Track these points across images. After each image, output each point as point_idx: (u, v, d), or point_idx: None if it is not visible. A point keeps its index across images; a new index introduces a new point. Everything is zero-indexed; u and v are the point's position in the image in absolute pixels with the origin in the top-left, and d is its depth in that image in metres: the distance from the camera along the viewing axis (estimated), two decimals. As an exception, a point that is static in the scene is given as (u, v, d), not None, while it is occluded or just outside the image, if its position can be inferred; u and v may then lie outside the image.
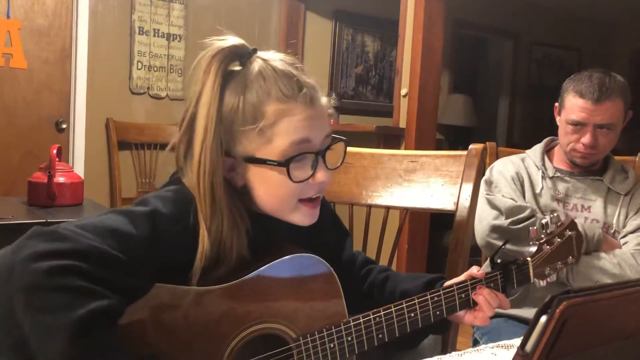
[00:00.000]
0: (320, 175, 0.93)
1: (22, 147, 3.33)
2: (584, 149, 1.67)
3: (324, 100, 0.96)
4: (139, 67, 3.64)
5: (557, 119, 1.76)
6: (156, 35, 3.69)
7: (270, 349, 0.95)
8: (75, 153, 3.49)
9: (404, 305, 1.01)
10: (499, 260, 1.10)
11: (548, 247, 1.12)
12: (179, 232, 0.88)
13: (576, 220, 1.67)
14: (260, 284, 0.94)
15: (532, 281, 1.11)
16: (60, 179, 2.20)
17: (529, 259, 1.11)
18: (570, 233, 1.15)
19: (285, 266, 0.96)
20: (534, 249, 1.12)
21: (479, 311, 1.06)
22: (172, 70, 3.76)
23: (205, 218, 0.89)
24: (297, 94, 0.91)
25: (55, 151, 2.18)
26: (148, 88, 3.69)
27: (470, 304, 1.06)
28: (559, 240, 1.14)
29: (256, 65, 0.92)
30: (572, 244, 1.15)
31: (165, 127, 3.73)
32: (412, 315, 1.01)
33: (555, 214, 1.16)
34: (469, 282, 1.06)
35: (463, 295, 1.05)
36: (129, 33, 3.60)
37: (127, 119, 3.61)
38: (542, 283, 1.14)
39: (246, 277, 0.93)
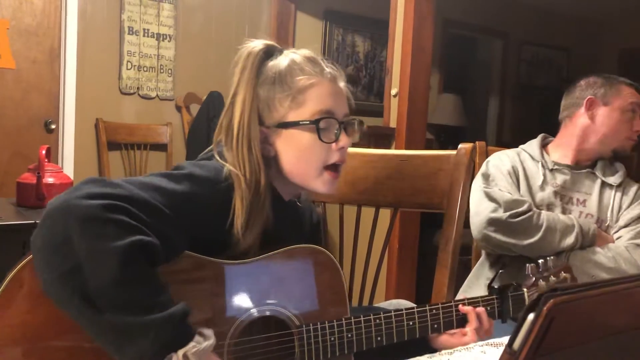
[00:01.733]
0: (343, 140, 1.06)
1: (11, 147, 3.30)
2: (635, 136, 1.76)
3: (343, 85, 1.11)
4: (129, 67, 3.63)
5: (588, 114, 1.77)
6: (146, 35, 3.68)
7: (273, 332, 1.00)
8: (65, 154, 3.47)
9: (404, 312, 1.05)
10: (496, 286, 1.13)
11: (544, 283, 1.16)
12: (213, 195, 0.98)
13: (571, 215, 1.70)
14: (272, 267, 1.00)
15: None
16: (49, 179, 2.19)
17: (524, 289, 1.14)
18: (565, 275, 1.19)
19: (298, 255, 1.03)
20: (530, 281, 1.16)
21: (461, 330, 1.10)
22: (162, 71, 3.75)
23: (239, 184, 0.99)
24: (322, 71, 1.07)
25: (44, 152, 2.17)
26: (138, 88, 3.67)
27: (464, 323, 1.10)
28: (554, 279, 1.18)
29: (286, 56, 1.08)
30: None
31: (155, 127, 3.72)
32: (411, 323, 1.05)
33: (551, 257, 1.20)
34: (466, 300, 1.09)
35: (460, 313, 1.09)
36: (119, 33, 3.58)
37: (117, 119, 3.60)
38: None
39: (260, 258, 1.00)
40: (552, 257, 1.19)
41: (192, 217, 0.94)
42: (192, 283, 0.94)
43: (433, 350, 1.13)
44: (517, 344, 0.49)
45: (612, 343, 0.56)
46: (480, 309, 1.09)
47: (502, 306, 1.12)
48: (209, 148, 1.08)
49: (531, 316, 0.49)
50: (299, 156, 1.06)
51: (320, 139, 1.04)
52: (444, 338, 1.11)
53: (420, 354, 1.09)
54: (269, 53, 1.08)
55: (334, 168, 1.08)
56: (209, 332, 0.88)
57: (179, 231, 0.91)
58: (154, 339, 0.81)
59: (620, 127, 1.76)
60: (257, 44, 1.07)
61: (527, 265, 1.17)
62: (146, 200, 0.88)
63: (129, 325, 0.81)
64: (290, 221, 1.13)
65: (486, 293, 1.74)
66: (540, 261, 1.16)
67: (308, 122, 1.04)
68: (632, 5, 4.81)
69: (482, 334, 1.10)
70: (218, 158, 1.04)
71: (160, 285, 0.86)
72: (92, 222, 0.82)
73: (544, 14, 5.32)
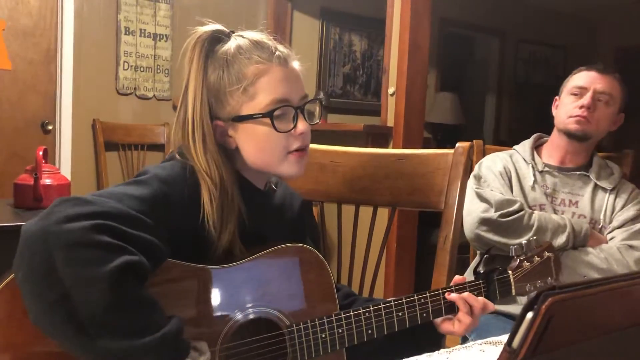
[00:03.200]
0: (301, 126, 1.03)
1: (8, 148, 3.30)
2: (580, 112, 1.72)
3: (297, 64, 1.07)
4: (125, 68, 3.62)
5: (555, 111, 1.81)
6: (142, 35, 3.67)
7: (264, 333, 0.99)
8: (62, 154, 3.46)
9: (393, 304, 1.05)
10: (481, 270, 1.13)
11: (528, 264, 1.16)
12: (182, 193, 0.96)
13: (564, 215, 1.70)
14: (259, 269, 1.00)
15: (513, 294, 1.14)
16: (46, 180, 2.18)
17: (509, 271, 1.14)
18: (548, 254, 1.18)
19: (283, 254, 1.03)
20: (515, 263, 1.16)
21: (456, 317, 1.08)
22: (158, 71, 3.75)
23: (203, 178, 0.98)
24: (272, 56, 1.02)
25: (41, 153, 2.17)
26: (135, 88, 3.67)
27: (455, 310, 1.09)
28: (538, 259, 1.17)
29: (234, 41, 1.04)
30: (550, 265, 1.19)
31: (152, 127, 3.71)
32: (400, 314, 1.04)
33: (533, 237, 1.19)
34: (453, 287, 1.09)
35: (448, 301, 1.08)
36: (115, 33, 3.58)
37: (114, 119, 3.59)
38: (524, 299, 1.17)
39: (246, 260, 0.99)
40: (534, 237, 1.19)
41: (168, 218, 0.92)
42: (179, 292, 0.93)
43: (439, 334, 1.13)
44: (516, 342, 0.49)
45: (611, 341, 0.56)
46: (465, 294, 1.08)
47: (488, 290, 1.12)
48: (172, 151, 1.06)
49: (530, 314, 0.49)
50: (259, 148, 1.03)
51: (276, 129, 1.01)
52: (446, 325, 1.10)
53: (427, 341, 1.10)
54: (216, 39, 1.04)
55: (297, 150, 1.05)
56: (203, 345, 0.88)
57: (160, 237, 0.88)
58: None
59: (562, 112, 1.78)
60: (202, 32, 1.03)
61: (511, 247, 1.17)
62: (125, 212, 0.85)
63: (124, 350, 0.79)
64: (270, 211, 1.11)
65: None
66: (523, 242, 1.17)
67: (261, 115, 1.01)
68: (628, 4, 4.82)
69: (479, 313, 1.08)
70: (178, 157, 1.02)
71: (151, 303, 0.83)
72: (74, 247, 0.78)
73: (540, 12, 5.33)
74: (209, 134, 1.01)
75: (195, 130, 1.00)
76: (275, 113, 1.01)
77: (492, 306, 1.10)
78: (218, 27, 1.05)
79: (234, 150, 1.05)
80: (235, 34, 1.06)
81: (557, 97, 1.83)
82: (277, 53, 1.03)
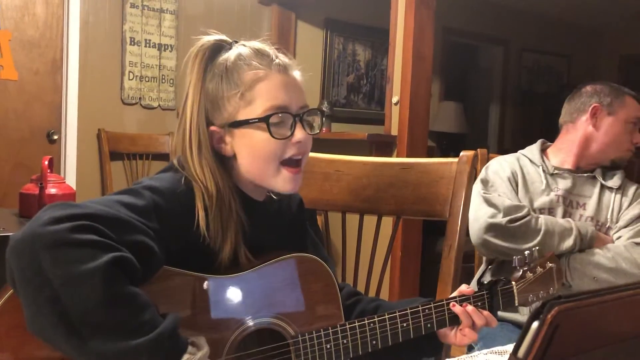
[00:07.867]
0: (299, 134, 1.01)
1: (13, 158, 3.31)
2: (634, 147, 1.78)
3: (298, 74, 1.06)
4: (131, 78, 3.64)
5: (592, 121, 1.78)
6: (147, 45, 3.69)
7: (269, 344, 0.99)
8: (67, 164, 3.47)
9: (397, 314, 1.05)
10: (485, 281, 1.12)
11: (531, 274, 1.15)
12: (175, 204, 0.95)
13: (571, 219, 1.71)
14: (263, 279, 0.99)
15: (516, 305, 1.13)
16: (51, 190, 2.19)
17: (513, 282, 1.13)
18: (551, 265, 1.18)
19: (288, 264, 1.02)
20: (518, 274, 1.15)
21: (458, 329, 1.08)
22: (163, 81, 3.76)
23: (198, 188, 0.97)
24: (271, 63, 1.02)
25: (46, 162, 2.18)
26: (140, 98, 3.69)
27: (458, 320, 1.08)
28: (540, 269, 1.17)
29: (235, 49, 1.04)
30: (552, 275, 1.18)
31: (157, 137, 3.72)
32: (405, 325, 1.04)
33: (536, 248, 1.19)
34: (458, 298, 1.08)
35: (452, 311, 1.07)
36: (120, 43, 3.60)
37: (119, 129, 3.61)
38: (526, 310, 1.16)
39: (251, 270, 0.99)
40: (537, 248, 1.19)
41: (161, 228, 0.91)
42: (184, 301, 0.92)
43: (439, 342, 1.12)
44: (522, 352, 0.49)
45: (618, 350, 0.56)
46: (470, 308, 1.07)
47: (491, 301, 1.11)
48: (169, 163, 1.05)
49: (536, 324, 0.49)
50: (254, 154, 1.01)
51: (272, 136, 0.99)
52: (447, 335, 1.09)
53: (427, 347, 1.10)
54: (218, 48, 1.04)
55: (293, 163, 1.03)
56: (201, 340, 0.86)
57: (153, 242, 0.87)
58: None
59: (621, 138, 1.77)
60: (205, 41, 1.04)
61: (514, 257, 1.16)
62: (114, 215, 0.84)
63: (119, 352, 0.77)
64: (270, 220, 1.10)
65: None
66: (526, 252, 1.16)
67: (257, 120, 0.99)
68: (632, 12, 4.82)
69: (481, 326, 1.08)
70: (177, 167, 1.01)
71: (144, 302, 0.81)
72: (61, 247, 0.77)
73: (544, 21, 5.34)
74: (204, 141, 1.00)
75: (192, 137, 1.00)
76: (272, 119, 0.99)
77: (495, 322, 1.09)
78: (221, 37, 1.06)
79: (231, 160, 1.03)
80: (238, 43, 1.06)
81: (597, 105, 1.78)
82: (277, 61, 1.03)
